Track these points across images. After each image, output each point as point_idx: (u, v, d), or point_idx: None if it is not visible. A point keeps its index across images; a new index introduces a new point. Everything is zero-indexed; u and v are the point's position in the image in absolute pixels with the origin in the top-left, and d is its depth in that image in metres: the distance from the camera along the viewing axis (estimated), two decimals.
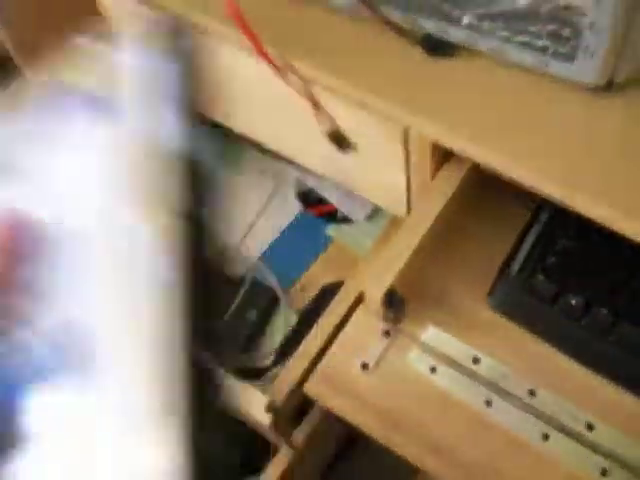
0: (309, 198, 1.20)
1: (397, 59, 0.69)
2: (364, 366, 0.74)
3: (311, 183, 1.19)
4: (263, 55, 0.70)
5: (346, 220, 1.17)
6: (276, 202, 1.22)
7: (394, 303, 0.71)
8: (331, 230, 1.17)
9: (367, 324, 0.77)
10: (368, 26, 0.70)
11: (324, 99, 0.74)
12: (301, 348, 0.85)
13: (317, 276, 1.13)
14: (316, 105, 0.75)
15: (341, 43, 0.71)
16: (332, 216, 1.18)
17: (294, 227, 1.19)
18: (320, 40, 0.72)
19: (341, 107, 0.73)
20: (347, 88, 0.69)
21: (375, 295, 0.69)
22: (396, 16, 0.69)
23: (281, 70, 0.72)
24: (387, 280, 0.69)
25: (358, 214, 1.15)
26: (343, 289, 0.90)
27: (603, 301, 0.71)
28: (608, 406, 0.71)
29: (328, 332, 0.83)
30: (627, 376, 0.71)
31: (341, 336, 0.77)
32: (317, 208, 1.19)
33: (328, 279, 1.09)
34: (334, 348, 0.77)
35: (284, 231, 1.18)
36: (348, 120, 0.75)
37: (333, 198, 1.16)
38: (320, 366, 0.76)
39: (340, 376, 0.75)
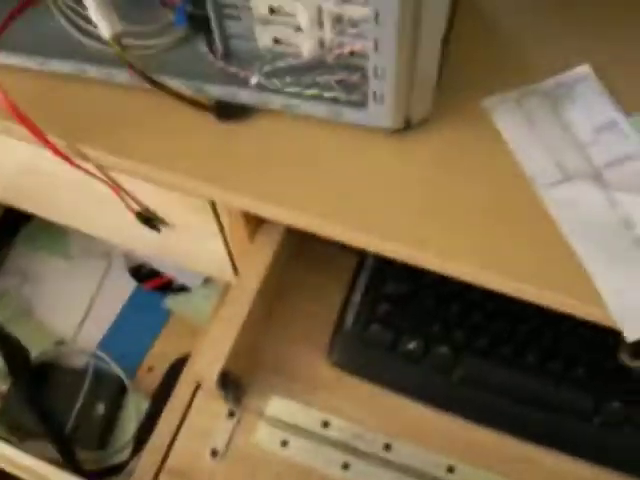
0: (142, 272, 1.16)
1: (192, 130, 0.66)
2: (214, 453, 0.71)
3: (141, 256, 1.15)
4: (49, 146, 0.65)
5: (183, 289, 1.13)
6: (109, 282, 1.17)
7: (230, 384, 0.68)
8: (169, 302, 1.13)
9: (210, 407, 0.73)
10: (159, 100, 0.66)
11: (125, 181, 0.71)
12: (150, 441, 0.80)
13: (163, 352, 1.09)
14: (116, 189, 0.71)
15: (132, 121, 0.67)
16: (168, 287, 1.14)
17: (131, 306, 1.14)
18: (110, 120, 0.67)
19: (144, 187, 0.70)
20: (143, 169, 0.65)
21: (209, 380, 0.66)
22: (183, 86, 0.65)
23: (72, 159, 0.67)
24: (219, 363, 0.66)
25: (194, 281, 1.12)
26: (185, 370, 0.86)
27: (441, 339, 0.71)
28: (466, 445, 0.70)
29: (175, 420, 0.78)
30: (477, 411, 0.71)
31: (186, 424, 0.73)
32: (152, 281, 1.15)
33: (175, 353, 1.05)
34: (180, 438, 0.73)
35: (121, 312, 1.13)
36: (154, 199, 0.72)
37: (166, 269, 1.13)
38: (170, 461, 0.72)
39: (191, 468, 0.71)
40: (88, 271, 1.18)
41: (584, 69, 0.65)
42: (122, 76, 0.66)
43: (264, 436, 0.71)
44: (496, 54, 0.67)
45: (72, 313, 1.14)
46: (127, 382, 1.05)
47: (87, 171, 0.68)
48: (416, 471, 0.68)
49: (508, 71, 0.66)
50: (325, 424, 0.71)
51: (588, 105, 0.64)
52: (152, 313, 1.12)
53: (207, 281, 1.12)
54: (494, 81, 0.65)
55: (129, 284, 1.16)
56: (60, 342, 1.12)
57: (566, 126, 0.63)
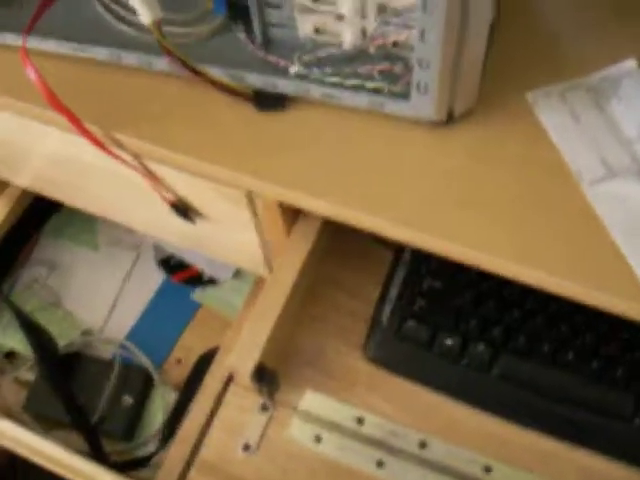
0: (171, 264, 1.15)
1: (229, 120, 0.65)
2: (246, 447, 0.70)
3: (171, 248, 1.14)
4: (86, 134, 0.64)
5: (212, 281, 1.12)
6: (137, 273, 1.16)
7: (265, 377, 0.67)
8: (198, 294, 1.12)
9: (243, 400, 0.72)
10: (196, 88, 0.65)
11: (160, 171, 0.70)
12: (180, 433, 0.80)
13: (191, 345, 1.08)
14: (152, 179, 0.70)
15: (169, 110, 0.66)
16: (198, 279, 1.13)
17: (159, 297, 1.13)
18: (146, 109, 0.67)
19: (179, 177, 0.69)
20: (180, 159, 0.64)
21: (244, 373, 0.65)
22: (222, 74, 0.65)
23: (108, 147, 0.66)
24: (254, 356, 0.65)
25: (224, 274, 1.11)
26: (215, 363, 0.86)
27: (479, 337, 0.70)
28: (503, 444, 0.69)
29: (206, 413, 0.77)
30: (516, 409, 0.70)
31: (218, 417, 0.73)
32: (181, 273, 1.14)
33: (203, 346, 1.05)
34: (213, 431, 0.72)
35: (149, 303, 1.13)
36: (189, 190, 0.71)
37: (195, 261, 1.12)
38: (201, 453, 0.71)
39: (223, 462, 0.70)
40: (116, 262, 1.18)
41: (630, 64, 0.64)
42: (160, 63, 0.66)
43: (297, 431, 0.70)
44: (541, 46, 0.66)
45: (100, 304, 1.14)
46: (154, 374, 1.05)
47: (123, 160, 0.67)
48: (452, 470, 0.67)
49: (553, 64, 0.65)
50: (359, 420, 0.70)
51: (634, 100, 0.62)
52: (181, 305, 1.12)
53: (237, 274, 1.11)
54: (538, 74, 0.64)
55: (158, 276, 1.15)
56: (88, 332, 1.12)
57: (611, 121, 0.61)
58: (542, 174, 0.59)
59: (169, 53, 0.61)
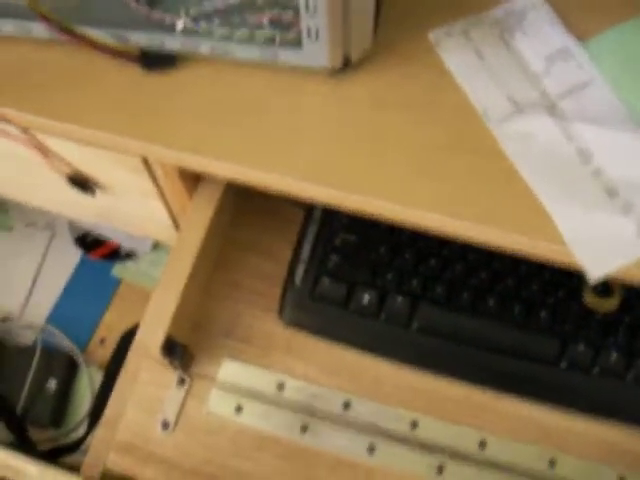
0: (87, 241, 1.11)
1: (117, 84, 0.61)
2: (165, 425, 0.67)
3: (87, 225, 1.10)
4: None
5: (131, 255, 1.09)
6: (53, 254, 1.13)
7: (176, 350, 0.64)
8: (117, 270, 1.08)
9: (159, 377, 0.70)
10: (82, 53, 0.61)
11: (52, 143, 0.66)
12: (104, 416, 0.76)
13: (115, 323, 1.06)
14: (44, 152, 0.66)
15: (54, 78, 0.62)
16: (116, 254, 1.10)
17: (78, 276, 1.10)
18: (30, 79, 0.63)
19: (72, 149, 0.65)
20: (68, 128, 0.60)
21: (154, 347, 0.62)
22: (105, 35, 0.61)
23: None
24: (161, 329, 0.62)
25: (142, 247, 1.08)
26: (134, 342, 0.82)
27: (396, 289, 0.68)
28: (429, 398, 0.67)
29: (127, 393, 0.74)
30: (439, 361, 0.68)
31: (134, 395, 0.70)
32: (98, 250, 1.10)
33: (126, 323, 1.01)
34: (129, 410, 0.69)
35: (68, 283, 1.09)
36: (84, 161, 0.68)
37: (113, 236, 1.08)
38: (119, 435, 0.68)
39: (142, 442, 0.67)
40: (32, 243, 1.14)
41: None
42: (39, 30, 0.61)
43: (217, 402, 0.68)
44: None
45: (17, 287, 1.10)
46: (78, 356, 1.02)
47: (10, 135, 0.63)
48: (378, 428, 0.65)
49: (454, 0, 0.62)
50: (280, 386, 0.68)
51: (539, 34, 0.60)
52: (101, 283, 1.09)
53: (156, 246, 1.08)
54: (439, 12, 0.62)
55: (75, 254, 1.12)
56: (6, 318, 1.08)
57: (517, 57, 0.59)
58: (448, 117, 0.57)
59: (44, 18, 0.57)
